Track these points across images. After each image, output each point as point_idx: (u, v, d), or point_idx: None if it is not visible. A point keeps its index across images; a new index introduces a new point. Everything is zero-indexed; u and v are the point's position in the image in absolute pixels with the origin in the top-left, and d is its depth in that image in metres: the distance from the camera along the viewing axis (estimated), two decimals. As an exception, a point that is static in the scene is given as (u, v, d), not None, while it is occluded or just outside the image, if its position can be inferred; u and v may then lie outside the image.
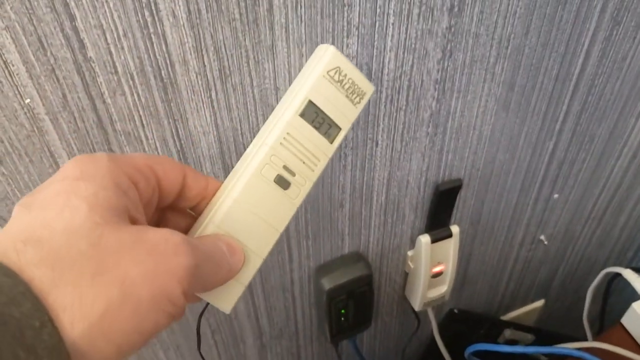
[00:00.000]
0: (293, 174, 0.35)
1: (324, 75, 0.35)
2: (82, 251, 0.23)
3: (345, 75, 0.36)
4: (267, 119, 0.50)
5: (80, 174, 0.26)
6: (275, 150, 0.34)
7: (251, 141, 0.51)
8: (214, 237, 0.32)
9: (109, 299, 0.23)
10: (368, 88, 0.38)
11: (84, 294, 0.22)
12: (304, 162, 0.36)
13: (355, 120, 0.38)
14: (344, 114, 0.37)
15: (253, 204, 0.34)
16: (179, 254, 0.26)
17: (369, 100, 0.53)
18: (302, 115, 0.35)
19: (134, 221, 0.27)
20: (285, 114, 0.35)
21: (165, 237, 0.26)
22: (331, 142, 0.37)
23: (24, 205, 0.25)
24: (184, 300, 0.26)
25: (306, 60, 0.48)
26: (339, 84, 0.36)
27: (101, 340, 0.23)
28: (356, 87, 0.37)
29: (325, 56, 0.35)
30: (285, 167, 0.35)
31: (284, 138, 0.34)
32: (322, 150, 0.36)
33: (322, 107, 0.35)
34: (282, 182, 0.35)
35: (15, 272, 0.22)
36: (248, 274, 0.35)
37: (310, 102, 0.35)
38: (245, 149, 0.52)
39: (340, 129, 0.37)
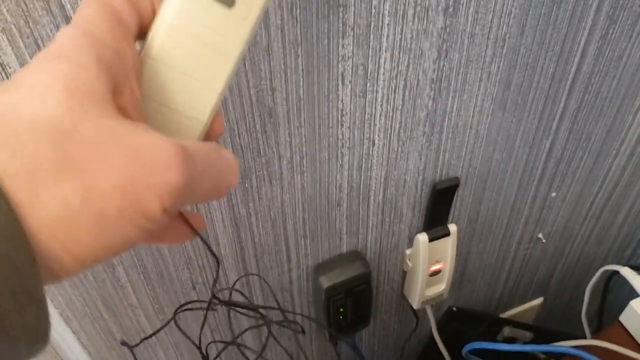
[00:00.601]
0: None
1: None
2: (49, 140, 0.20)
3: None
4: (263, 119, 0.51)
5: (54, 54, 0.22)
6: None
7: (248, 142, 0.52)
8: (217, 147, 0.27)
9: (67, 206, 0.20)
10: None
11: (40, 192, 0.19)
12: None
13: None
14: None
15: (193, 27, 0.28)
16: (168, 168, 0.22)
17: None
18: None
19: (123, 109, 0.24)
20: None
21: (155, 145, 0.22)
22: None
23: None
24: (164, 217, 0.22)
25: (302, 61, 0.48)
26: None
27: (58, 248, 0.20)
28: None
29: None
30: None
31: None
32: None
33: None
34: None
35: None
36: (204, 112, 0.29)
37: None
38: (242, 151, 0.53)
39: None
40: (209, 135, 0.31)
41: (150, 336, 0.64)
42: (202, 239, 0.30)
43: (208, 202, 0.26)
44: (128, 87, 0.25)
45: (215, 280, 0.49)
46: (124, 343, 0.51)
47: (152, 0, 0.27)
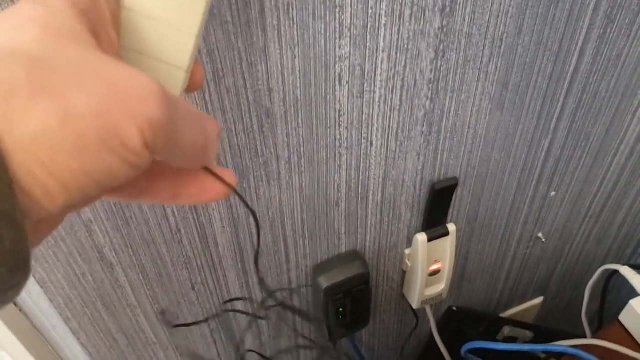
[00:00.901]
0: None
1: None
2: (23, 64, 0.19)
3: None
4: (261, 120, 0.51)
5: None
6: None
7: (246, 142, 0.52)
8: (199, 113, 0.27)
9: (45, 126, 0.19)
10: None
11: (15, 113, 0.19)
12: None
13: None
14: None
15: None
16: (148, 103, 0.21)
17: None
18: None
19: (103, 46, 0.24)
20: None
21: (134, 79, 0.21)
22: None
23: None
24: (147, 152, 0.21)
25: (299, 62, 0.49)
26: None
27: (39, 169, 0.19)
28: None
29: None
30: None
31: None
32: None
33: None
34: None
35: None
36: (184, 57, 0.29)
37: None
38: (240, 151, 0.53)
39: None
40: (190, 86, 0.31)
41: (192, 324, 0.65)
42: (237, 193, 0.30)
43: (193, 165, 0.25)
44: (105, 33, 0.25)
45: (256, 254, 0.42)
46: (163, 313, 0.51)
47: None
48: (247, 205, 0.33)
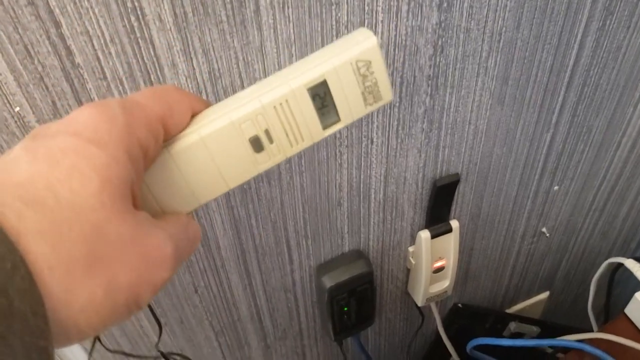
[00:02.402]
0: (271, 141, 0.32)
1: (352, 62, 0.32)
2: (85, 236, 0.22)
3: (372, 73, 0.33)
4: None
5: (94, 136, 0.24)
6: (265, 111, 0.31)
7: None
8: (184, 221, 0.31)
9: (92, 298, 0.22)
10: (387, 96, 0.34)
11: (73, 286, 0.22)
12: (287, 135, 0.32)
13: (357, 120, 0.36)
14: (351, 109, 0.34)
15: (216, 151, 0.31)
16: (165, 268, 0.26)
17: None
18: (310, 90, 0.32)
19: (134, 198, 0.26)
20: (294, 81, 0.32)
21: (160, 247, 0.26)
22: (324, 129, 0.34)
23: (29, 149, 0.23)
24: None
25: (296, 60, 0.48)
26: (361, 77, 0.33)
27: (73, 330, 0.23)
28: (376, 89, 0.34)
29: (363, 44, 0.32)
30: (266, 132, 0.32)
31: (281, 104, 0.31)
32: (312, 132, 0.33)
33: (333, 92, 0.33)
34: (256, 144, 0.32)
35: (11, 241, 0.20)
36: (208, 196, 0.33)
37: (325, 82, 0.32)
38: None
39: (339, 120, 0.34)
40: None
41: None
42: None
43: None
44: (140, 176, 0.28)
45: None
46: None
47: (187, 117, 0.31)
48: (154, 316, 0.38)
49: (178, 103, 0.30)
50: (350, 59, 0.32)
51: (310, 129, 0.33)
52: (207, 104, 0.33)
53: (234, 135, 0.31)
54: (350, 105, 0.34)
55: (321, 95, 0.33)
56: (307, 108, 0.32)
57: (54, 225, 0.21)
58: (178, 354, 0.62)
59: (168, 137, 0.30)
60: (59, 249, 0.21)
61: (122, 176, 0.24)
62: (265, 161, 0.33)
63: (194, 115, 0.32)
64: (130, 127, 0.26)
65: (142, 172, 0.27)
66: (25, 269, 0.20)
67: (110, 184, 0.23)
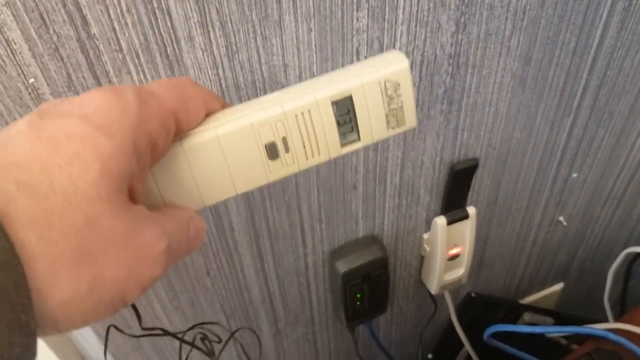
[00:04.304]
0: (287, 150, 0.32)
1: (380, 82, 0.32)
2: (75, 228, 0.21)
3: (399, 96, 0.33)
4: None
5: (103, 122, 0.23)
6: (286, 118, 0.31)
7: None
8: (187, 216, 0.30)
9: (75, 293, 0.22)
10: (411, 121, 0.34)
11: (56, 279, 0.21)
12: (304, 146, 0.32)
13: (376, 142, 0.35)
14: (373, 129, 0.33)
15: (230, 152, 0.31)
16: (155, 266, 0.25)
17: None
18: (335, 103, 0.32)
19: (132, 191, 0.25)
20: (319, 92, 0.31)
21: (153, 243, 0.25)
22: (342, 146, 0.33)
23: (33, 127, 0.22)
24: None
25: (315, 35, 0.47)
26: (388, 99, 0.32)
27: (49, 322, 0.22)
28: (401, 113, 0.33)
29: (394, 65, 0.32)
30: (284, 139, 0.31)
31: (302, 113, 0.31)
32: (330, 147, 0.33)
33: (357, 109, 0.32)
34: (272, 151, 0.31)
35: (2, 224, 0.20)
36: (216, 199, 0.32)
37: (350, 97, 0.32)
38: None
39: (359, 140, 0.33)
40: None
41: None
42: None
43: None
44: (145, 170, 0.27)
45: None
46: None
47: (202, 114, 0.30)
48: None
49: (194, 99, 0.30)
50: (380, 78, 0.32)
51: (329, 143, 0.33)
52: (223, 103, 0.32)
53: (250, 138, 0.31)
54: (372, 125, 0.33)
55: (345, 111, 0.32)
56: (329, 121, 0.32)
57: (44, 214, 0.21)
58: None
59: (179, 132, 0.29)
60: (46, 239, 0.21)
61: (124, 169, 0.24)
62: (278, 170, 0.32)
63: (208, 114, 0.31)
64: (143, 118, 0.25)
65: (147, 165, 0.27)
66: (7, 242, 0.19)
67: (110, 176, 0.23)
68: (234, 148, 0.31)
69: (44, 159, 0.21)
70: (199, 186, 0.31)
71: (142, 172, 0.26)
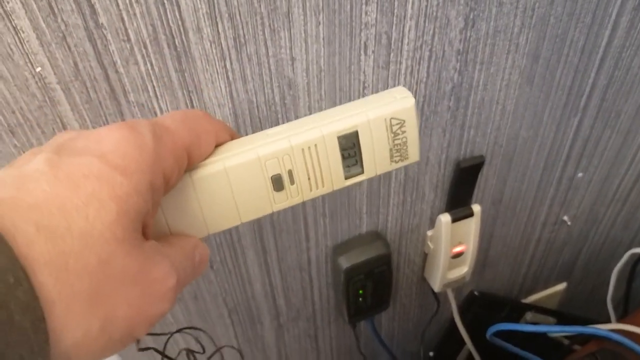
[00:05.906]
0: (292, 182, 0.33)
1: (386, 118, 0.33)
2: (90, 269, 0.22)
3: (404, 132, 0.33)
4: (282, 91, 0.49)
5: (120, 162, 0.24)
6: (293, 152, 0.32)
7: (267, 115, 0.50)
8: (192, 244, 0.31)
9: (87, 334, 0.22)
10: (414, 156, 0.35)
11: (70, 321, 0.21)
12: (309, 179, 0.33)
13: (379, 175, 0.36)
14: (376, 163, 0.34)
15: (237, 183, 0.32)
16: (165, 301, 0.25)
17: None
18: (341, 138, 0.33)
19: (144, 227, 0.25)
20: (326, 127, 0.32)
21: (164, 280, 0.25)
22: (346, 179, 0.34)
23: (52, 165, 0.23)
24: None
25: (324, 29, 0.47)
26: (392, 135, 0.33)
27: None
28: (405, 148, 0.34)
29: (400, 103, 0.33)
30: (289, 172, 0.32)
31: (309, 147, 0.32)
32: (334, 180, 0.34)
33: (362, 144, 0.33)
34: (277, 183, 0.33)
35: (15, 256, 0.20)
36: (220, 227, 0.33)
37: (356, 133, 0.33)
38: (261, 124, 0.51)
39: (362, 173, 0.34)
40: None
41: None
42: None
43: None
44: (158, 205, 0.27)
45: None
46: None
47: (212, 147, 0.31)
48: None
49: (206, 133, 0.30)
50: (385, 114, 0.33)
51: (333, 176, 0.34)
52: (233, 134, 0.33)
53: (257, 170, 0.32)
54: (376, 159, 0.34)
55: (350, 145, 0.33)
56: (334, 155, 0.33)
57: (61, 256, 0.21)
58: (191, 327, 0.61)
59: (191, 165, 0.30)
60: (63, 281, 0.21)
61: (140, 208, 0.24)
62: (282, 201, 0.33)
63: (217, 145, 0.32)
64: (158, 155, 0.26)
65: (160, 200, 0.27)
66: (27, 284, 0.20)
67: (127, 216, 0.23)
68: (241, 180, 0.32)
69: (62, 200, 0.22)
70: (205, 215, 0.32)
71: (155, 207, 0.26)
